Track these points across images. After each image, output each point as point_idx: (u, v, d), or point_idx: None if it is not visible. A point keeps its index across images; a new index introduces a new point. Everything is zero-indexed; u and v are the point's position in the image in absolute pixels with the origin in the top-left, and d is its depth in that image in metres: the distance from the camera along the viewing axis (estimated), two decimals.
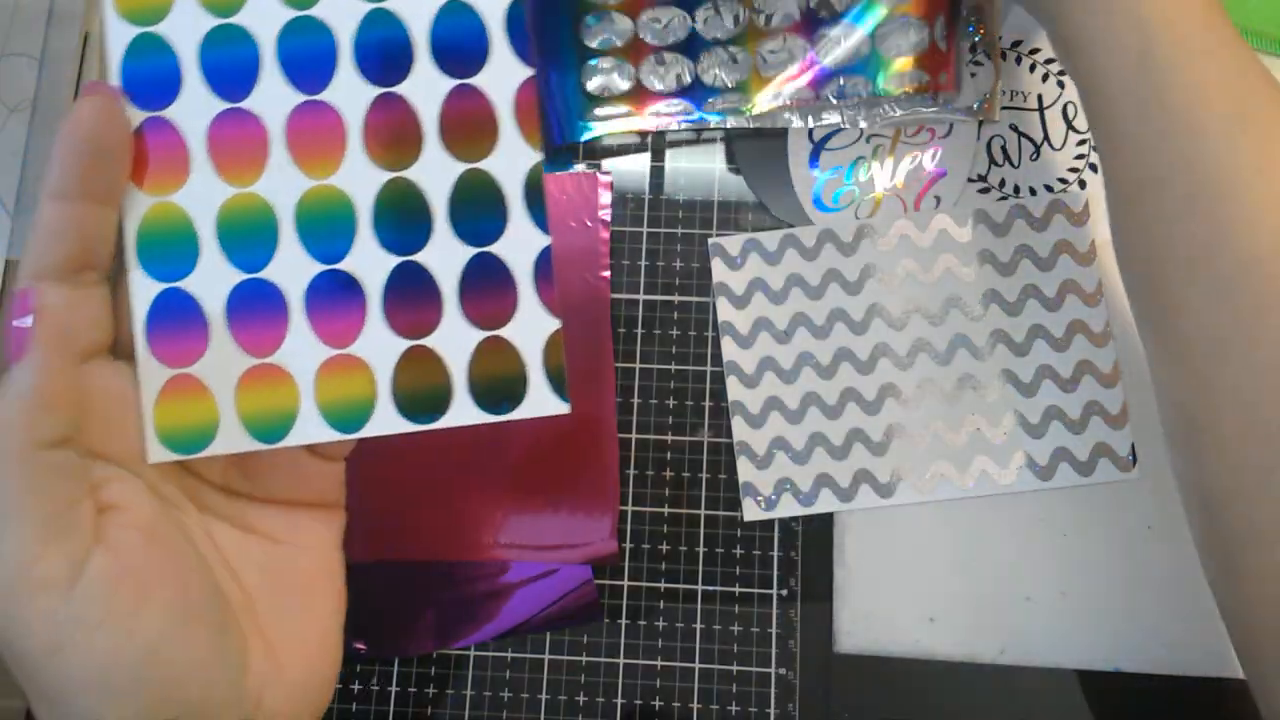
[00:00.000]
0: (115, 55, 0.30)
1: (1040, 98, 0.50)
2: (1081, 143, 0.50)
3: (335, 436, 0.30)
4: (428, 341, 0.31)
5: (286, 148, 0.30)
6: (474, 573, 0.46)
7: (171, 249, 0.30)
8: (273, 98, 0.30)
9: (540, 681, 0.46)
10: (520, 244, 0.31)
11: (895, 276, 0.49)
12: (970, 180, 0.50)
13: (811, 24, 0.50)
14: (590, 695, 0.45)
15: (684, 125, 0.50)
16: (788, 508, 0.47)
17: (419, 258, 0.31)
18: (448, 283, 0.31)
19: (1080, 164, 0.50)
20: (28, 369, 0.26)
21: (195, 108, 0.30)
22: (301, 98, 0.30)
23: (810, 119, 0.50)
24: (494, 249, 0.31)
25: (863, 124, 0.50)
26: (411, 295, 0.31)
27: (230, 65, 0.30)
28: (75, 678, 0.25)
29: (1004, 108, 0.50)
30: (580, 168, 0.51)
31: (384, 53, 0.31)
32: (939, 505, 0.47)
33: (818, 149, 0.50)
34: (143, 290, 0.30)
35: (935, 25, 0.49)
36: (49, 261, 0.27)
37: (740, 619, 0.46)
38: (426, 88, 0.31)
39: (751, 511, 0.47)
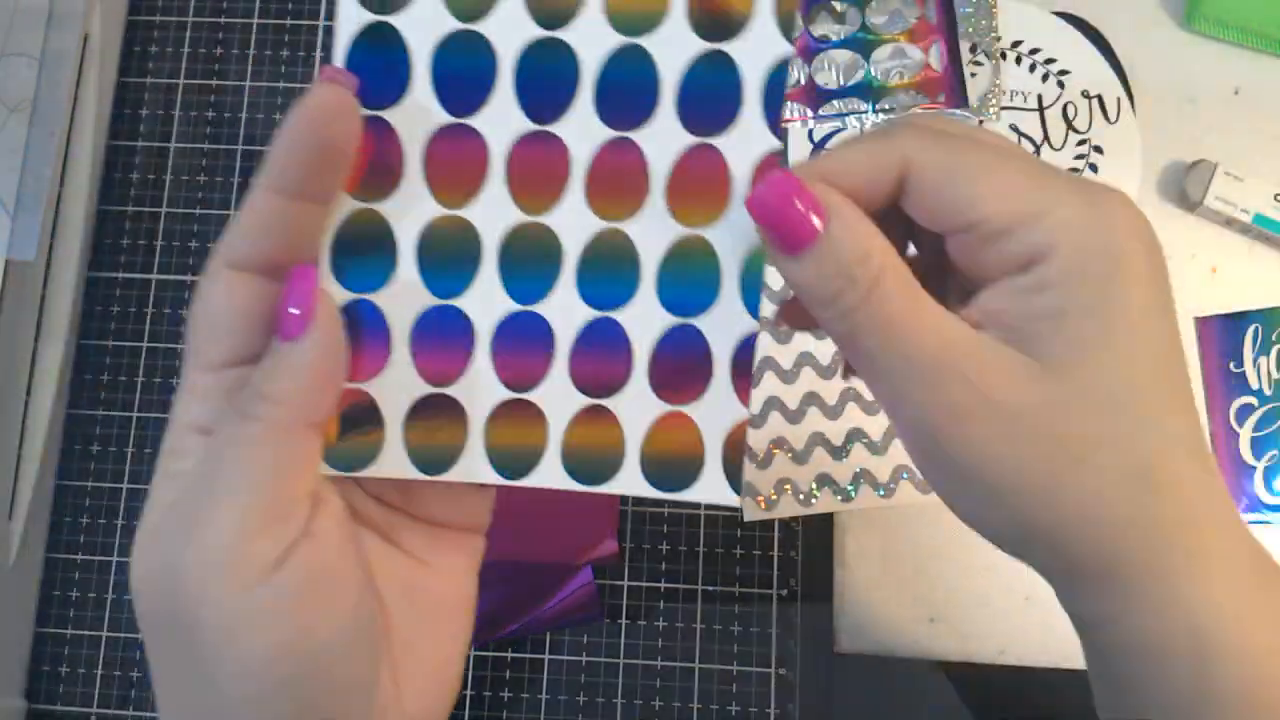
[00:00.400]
0: (344, 38, 0.27)
1: (1040, 98, 0.50)
2: (1081, 143, 0.50)
3: (497, 481, 0.29)
4: (608, 402, 0.29)
5: (506, 175, 0.28)
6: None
7: (367, 258, 0.28)
8: (501, 120, 0.28)
9: (540, 681, 0.46)
10: (726, 324, 0.28)
11: None
12: None
13: (809, 48, 0.50)
14: (590, 695, 0.45)
15: None
16: (788, 508, 0.47)
17: (617, 315, 0.29)
18: (641, 347, 0.29)
19: (1080, 164, 0.50)
20: (307, 347, 0.25)
21: (419, 114, 0.27)
22: (531, 126, 0.28)
23: (810, 118, 0.50)
24: (697, 322, 0.29)
25: (863, 124, 0.50)
26: (601, 352, 0.29)
27: (463, 76, 0.27)
28: (239, 664, 0.24)
29: (1004, 108, 0.50)
30: None
31: (627, 92, 0.28)
32: (939, 505, 0.47)
33: (818, 149, 0.50)
34: (333, 294, 0.28)
35: (931, 50, 0.49)
36: (252, 255, 0.26)
37: (740, 619, 0.46)
38: (663, 138, 0.28)
39: (751, 511, 0.47)
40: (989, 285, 0.26)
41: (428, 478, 0.28)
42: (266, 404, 0.25)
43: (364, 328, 0.28)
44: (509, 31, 0.28)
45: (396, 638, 0.29)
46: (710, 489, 0.28)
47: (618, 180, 0.28)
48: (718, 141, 0.28)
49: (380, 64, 0.27)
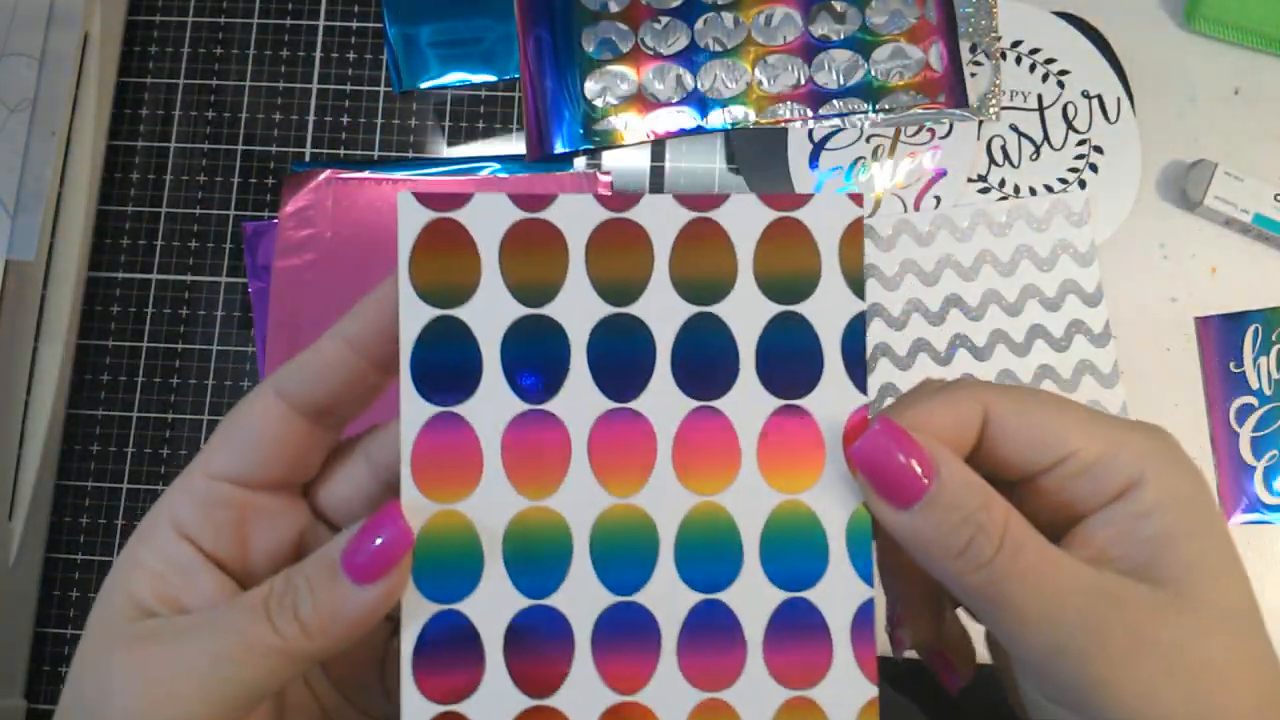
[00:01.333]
0: (408, 338, 0.26)
1: (1040, 98, 0.50)
2: (1081, 143, 0.50)
3: None
4: (725, 695, 0.27)
5: (588, 458, 0.27)
6: None
7: (452, 565, 0.26)
8: (579, 401, 0.26)
9: None
10: (839, 594, 0.27)
11: (895, 276, 0.49)
12: (970, 180, 0.50)
13: (809, 47, 0.50)
14: None
15: (684, 134, 0.50)
16: None
17: (723, 597, 0.27)
18: (753, 629, 0.27)
19: (1080, 164, 0.50)
20: (367, 599, 0.24)
21: (494, 405, 0.26)
22: (610, 404, 0.27)
23: (810, 119, 0.50)
24: (809, 595, 0.27)
25: (863, 124, 0.50)
26: (711, 640, 0.27)
27: (536, 361, 0.26)
28: None
29: (1004, 108, 0.50)
30: (580, 166, 0.51)
31: (705, 361, 0.27)
32: None
33: (818, 149, 0.50)
34: (415, 610, 0.25)
35: (931, 50, 0.49)
36: (303, 394, 0.26)
37: None
38: (749, 404, 0.27)
39: None
40: (1084, 521, 0.27)
41: None
42: (292, 626, 0.24)
43: (453, 643, 0.26)
44: (578, 311, 0.27)
45: None
46: None
47: (707, 451, 0.27)
48: (804, 403, 0.27)
49: (449, 358, 0.26)
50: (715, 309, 0.27)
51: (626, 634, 0.27)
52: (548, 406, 0.26)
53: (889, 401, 0.47)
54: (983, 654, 0.36)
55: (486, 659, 0.26)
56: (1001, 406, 0.27)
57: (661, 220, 0.27)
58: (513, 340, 0.26)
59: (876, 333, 0.48)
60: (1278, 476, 0.46)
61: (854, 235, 0.27)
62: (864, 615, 0.27)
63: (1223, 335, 0.48)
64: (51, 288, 0.48)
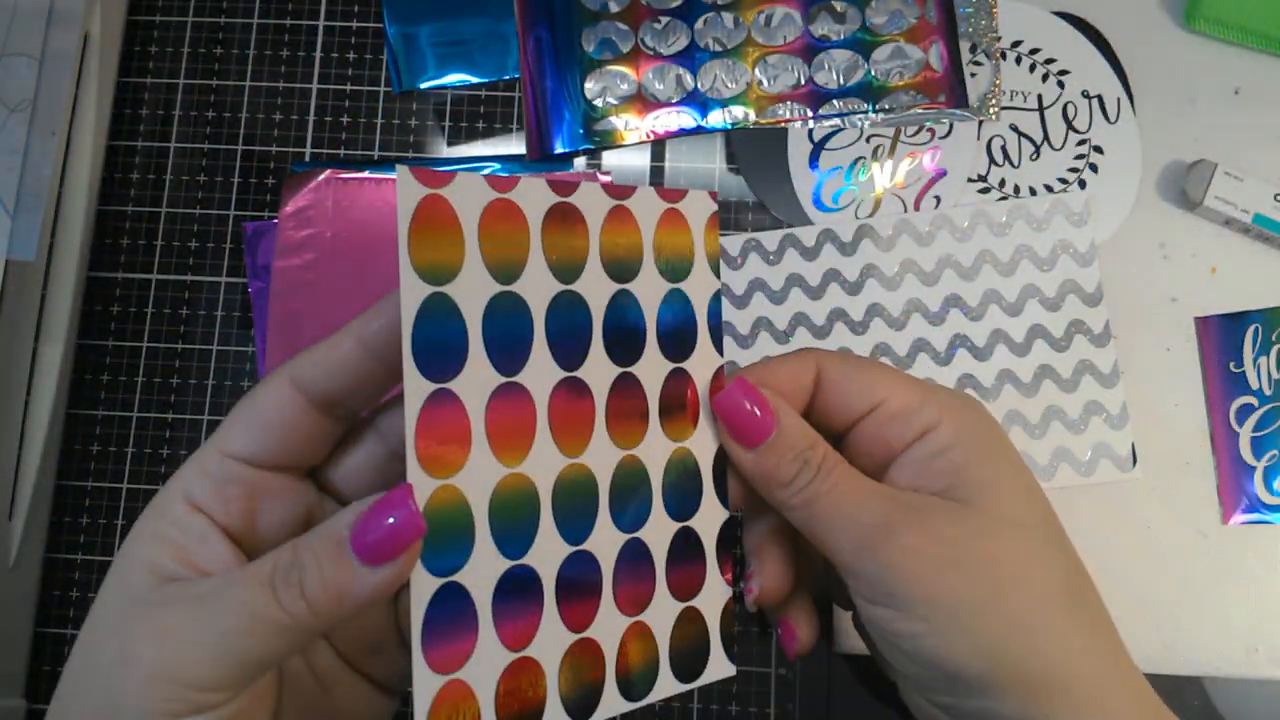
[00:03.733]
0: (409, 314, 0.27)
1: (1040, 98, 0.50)
2: (1081, 143, 0.50)
3: None
4: (644, 617, 0.31)
5: (550, 425, 0.29)
6: None
7: (450, 538, 0.27)
8: (541, 373, 0.29)
9: None
10: (709, 518, 0.33)
11: (895, 276, 0.49)
12: (970, 180, 0.50)
13: (809, 47, 0.50)
14: None
15: (683, 134, 0.50)
16: None
17: (641, 534, 0.31)
18: (659, 558, 0.32)
19: (1080, 164, 0.50)
20: (374, 581, 0.25)
21: (478, 380, 0.28)
22: (563, 374, 0.30)
23: (810, 119, 0.50)
24: (691, 523, 0.32)
25: (863, 124, 0.50)
26: (634, 572, 0.31)
27: (508, 336, 0.28)
28: None
29: (1004, 108, 0.50)
30: (580, 165, 0.51)
31: (624, 333, 0.31)
32: None
33: (818, 149, 0.50)
34: (422, 587, 0.26)
35: (931, 50, 0.49)
36: (316, 385, 0.28)
37: (740, 618, 0.46)
38: (652, 369, 0.31)
39: None
40: (895, 459, 0.32)
41: None
42: (298, 604, 0.25)
43: (453, 614, 0.27)
44: (537, 288, 0.29)
45: None
46: (716, 669, 0.32)
47: (628, 411, 0.31)
48: (686, 365, 0.32)
49: (441, 335, 0.27)
50: (629, 286, 0.31)
51: (581, 579, 0.30)
52: (519, 379, 0.29)
53: None
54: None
55: (480, 624, 0.27)
56: (830, 365, 0.33)
57: (593, 206, 0.30)
58: (491, 317, 0.28)
59: (877, 332, 0.48)
60: (1278, 476, 0.46)
61: (712, 225, 0.33)
62: (725, 532, 0.33)
63: (1223, 335, 0.48)
64: (51, 288, 0.48)
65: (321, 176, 0.50)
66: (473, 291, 0.28)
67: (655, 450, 0.31)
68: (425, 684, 0.26)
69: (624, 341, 0.31)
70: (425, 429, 0.26)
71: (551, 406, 0.29)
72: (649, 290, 0.32)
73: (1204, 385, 0.48)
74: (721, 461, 0.33)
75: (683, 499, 0.32)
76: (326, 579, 0.25)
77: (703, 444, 0.33)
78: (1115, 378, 0.47)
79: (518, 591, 0.28)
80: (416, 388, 0.27)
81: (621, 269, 0.31)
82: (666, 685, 0.31)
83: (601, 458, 0.30)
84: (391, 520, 0.25)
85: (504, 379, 0.28)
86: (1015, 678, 0.29)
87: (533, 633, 0.28)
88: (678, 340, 0.32)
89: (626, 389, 0.31)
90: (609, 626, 0.30)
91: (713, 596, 0.32)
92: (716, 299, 0.33)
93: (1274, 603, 0.45)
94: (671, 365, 0.32)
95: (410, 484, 0.26)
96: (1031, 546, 0.31)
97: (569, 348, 0.30)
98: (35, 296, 0.47)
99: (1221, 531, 0.46)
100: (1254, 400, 0.47)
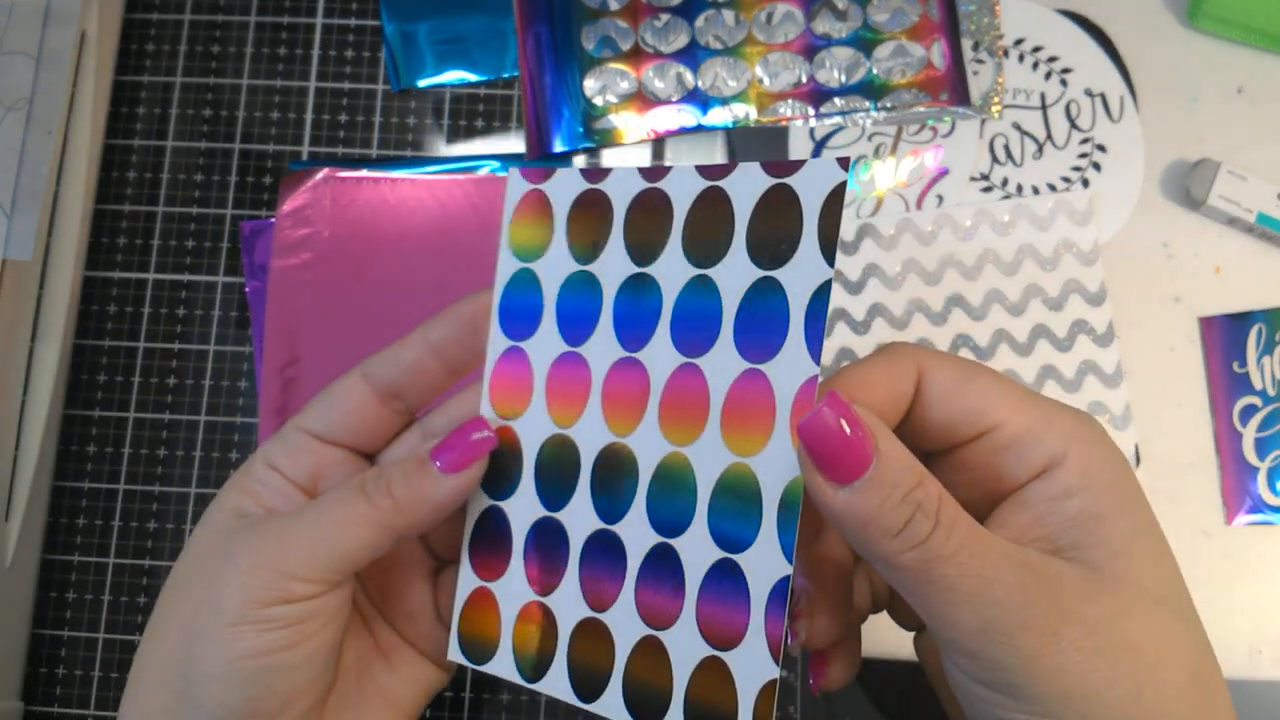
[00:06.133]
0: (500, 283, 0.32)
1: (1043, 96, 0.50)
2: (1085, 141, 0.50)
3: (574, 702, 0.30)
4: (663, 636, 0.29)
5: (601, 399, 0.31)
6: None
7: (502, 469, 0.32)
8: (602, 348, 0.31)
9: None
10: (763, 564, 0.27)
11: (897, 276, 0.48)
12: (973, 179, 0.49)
13: (811, 45, 0.49)
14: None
15: (684, 133, 0.49)
16: None
17: (675, 543, 0.29)
18: (693, 579, 0.28)
19: (1084, 163, 0.49)
20: (449, 486, 0.30)
21: (546, 345, 0.32)
22: (622, 353, 0.30)
23: (812, 117, 0.49)
24: (739, 558, 0.28)
25: (865, 122, 0.49)
26: (660, 580, 0.29)
27: (578, 310, 0.31)
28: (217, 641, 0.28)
29: (1006, 106, 0.50)
30: (580, 163, 0.50)
31: (697, 320, 0.29)
32: None
33: (819, 147, 0.50)
34: (475, 501, 0.32)
35: (933, 47, 0.49)
36: (384, 379, 0.32)
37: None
38: (722, 365, 0.28)
39: None
40: (1008, 500, 0.27)
41: (525, 684, 0.31)
42: (386, 500, 0.29)
43: (494, 532, 0.32)
44: (612, 269, 0.31)
45: (330, 710, 0.32)
46: None
47: (685, 405, 0.29)
48: (765, 368, 0.28)
49: (523, 302, 0.32)
50: (710, 272, 0.29)
51: (605, 557, 0.30)
52: (581, 350, 0.31)
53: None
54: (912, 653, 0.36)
55: (513, 554, 0.31)
56: (935, 371, 0.28)
57: (683, 189, 0.30)
58: (565, 292, 0.31)
59: (879, 332, 0.48)
60: None
61: (834, 201, 0.27)
62: (779, 592, 0.27)
63: (1226, 335, 0.48)
64: (48, 287, 0.48)
65: (319, 175, 0.50)
66: (553, 269, 0.31)
67: (708, 457, 0.28)
68: (467, 580, 0.32)
69: (695, 330, 0.29)
70: (498, 376, 0.32)
71: (606, 381, 0.30)
72: (733, 277, 0.28)
73: (1207, 386, 0.48)
74: (794, 497, 0.27)
75: (734, 524, 0.28)
76: (411, 483, 0.29)
77: (772, 467, 0.27)
78: (1119, 378, 0.47)
79: (549, 539, 0.31)
80: (497, 342, 0.32)
81: (705, 253, 0.29)
82: None
83: (646, 444, 0.30)
84: (469, 437, 0.30)
85: (568, 348, 0.31)
86: None
87: (554, 584, 0.31)
88: (761, 337, 0.28)
89: (687, 381, 0.29)
90: (625, 623, 0.29)
91: (750, 663, 0.27)
92: (823, 292, 0.27)
93: (1278, 604, 0.45)
94: (746, 365, 0.28)
95: (482, 415, 0.32)
96: (1167, 626, 0.26)
97: (633, 328, 0.30)
98: (32, 296, 0.47)
99: (1225, 532, 0.46)
100: (1258, 401, 0.47)
